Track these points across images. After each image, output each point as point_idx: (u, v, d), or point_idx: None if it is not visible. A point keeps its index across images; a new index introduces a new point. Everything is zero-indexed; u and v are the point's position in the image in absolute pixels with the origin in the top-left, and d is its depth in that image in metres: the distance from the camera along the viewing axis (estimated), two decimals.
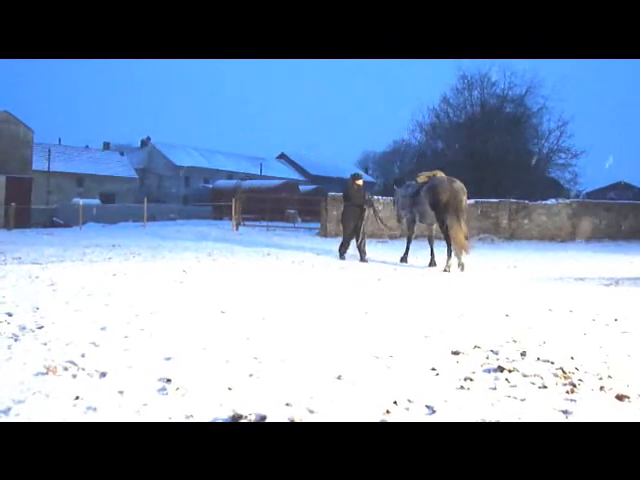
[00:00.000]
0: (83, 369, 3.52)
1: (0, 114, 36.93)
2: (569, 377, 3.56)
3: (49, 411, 2.77)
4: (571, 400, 3.14)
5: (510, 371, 3.65)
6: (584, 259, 14.84)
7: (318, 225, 24.68)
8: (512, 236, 23.12)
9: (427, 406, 2.98)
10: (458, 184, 12.01)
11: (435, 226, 12.82)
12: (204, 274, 8.91)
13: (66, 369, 3.50)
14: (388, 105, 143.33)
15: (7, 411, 2.75)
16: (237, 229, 24.05)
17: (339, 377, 3.46)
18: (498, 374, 3.60)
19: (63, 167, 54.73)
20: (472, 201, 23.83)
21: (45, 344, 4.07)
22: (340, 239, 14.14)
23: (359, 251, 13.18)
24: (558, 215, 23.49)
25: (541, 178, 44.81)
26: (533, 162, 42.89)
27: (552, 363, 3.88)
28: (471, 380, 3.48)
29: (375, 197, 13.70)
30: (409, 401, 3.05)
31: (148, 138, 69.51)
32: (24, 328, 4.57)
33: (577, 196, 41.67)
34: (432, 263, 12.47)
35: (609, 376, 3.61)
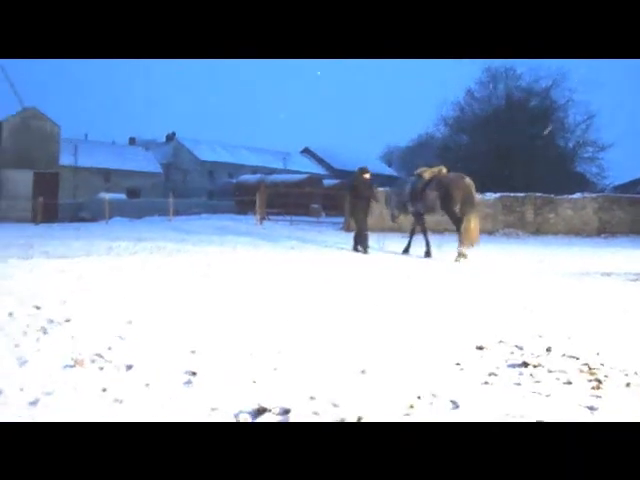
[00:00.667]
0: (110, 362, 3.56)
1: (28, 110, 37.37)
2: (595, 373, 3.52)
3: (76, 403, 2.81)
4: (596, 396, 3.11)
5: (535, 366, 3.62)
6: (610, 254, 14.67)
7: (342, 220, 24.60)
8: (538, 231, 22.90)
9: (451, 401, 2.97)
10: (469, 180, 12.66)
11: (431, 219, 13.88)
12: (229, 268, 8.95)
13: (93, 362, 3.55)
14: (412, 99, 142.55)
15: (35, 402, 2.80)
16: (261, 223, 24.10)
17: (363, 371, 3.46)
18: (523, 369, 3.58)
19: (90, 162, 55.14)
20: (497, 195, 23.68)
21: (73, 337, 4.12)
22: (395, 235, 14.47)
23: (362, 243, 13.73)
24: (584, 209, 23.21)
25: (567, 172, 44.36)
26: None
27: (577, 359, 3.85)
28: (495, 375, 3.46)
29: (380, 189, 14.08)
30: (433, 396, 3.05)
31: (173, 133, 69.83)
32: (52, 321, 4.63)
33: (603, 190, 41.11)
34: (428, 253, 13.08)
35: (635, 372, 3.57)
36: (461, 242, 12.37)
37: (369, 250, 13.59)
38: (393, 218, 14.61)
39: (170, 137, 69.97)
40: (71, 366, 3.44)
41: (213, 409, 2.78)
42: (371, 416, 2.68)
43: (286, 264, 9.95)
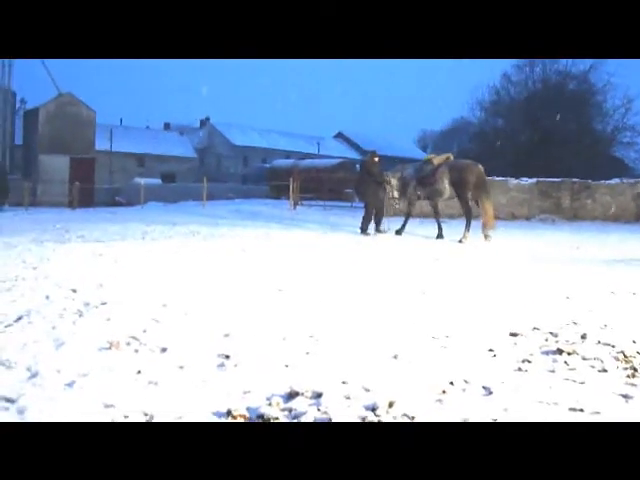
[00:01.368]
0: (145, 344, 3.61)
1: (64, 96, 37.73)
2: (630, 361, 3.48)
3: (112, 385, 2.86)
4: (632, 384, 3.07)
5: (569, 354, 3.59)
6: None
7: None
8: (574, 216, 22.52)
9: (484, 387, 2.96)
10: (481, 167, 13.46)
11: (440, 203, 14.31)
12: (262, 252, 9.00)
13: (128, 344, 3.60)
14: (447, 83, 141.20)
15: (71, 384, 2.85)
16: (295, 208, 24.12)
17: (395, 356, 3.46)
18: (557, 356, 3.55)
19: (125, 147, 55.78)
20: (533, 180, 23.34)
21: (108, 320, 4.19)
22: (397, 219, 14.69)
23: (376, 224, 14.26)
24: (622, 195, 22.74)
25: (605, 157, 43.60)
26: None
27: (613, 346, 3.80)
28: (529, 362, 3.44)
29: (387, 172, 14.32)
30: (465, 382, 3.04)
31: (207, 118, 70.20)
32: (88, 304, 4.70)
33: None
34: (440, 235, 13.62)
35: None
36: (482, 226, 13.11)
37: (386, 232, 14.17)
38: (394, 202, 14.88)
39: (204, 122, 70.33)
40: (107, 348, 3.49)
41: (246, 392, 2.81)
42: (403, 401, 2.69)
43: (319, 249, 9.97)
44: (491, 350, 3.67)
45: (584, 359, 3.51)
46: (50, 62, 38.22)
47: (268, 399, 2.73)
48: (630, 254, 10.59)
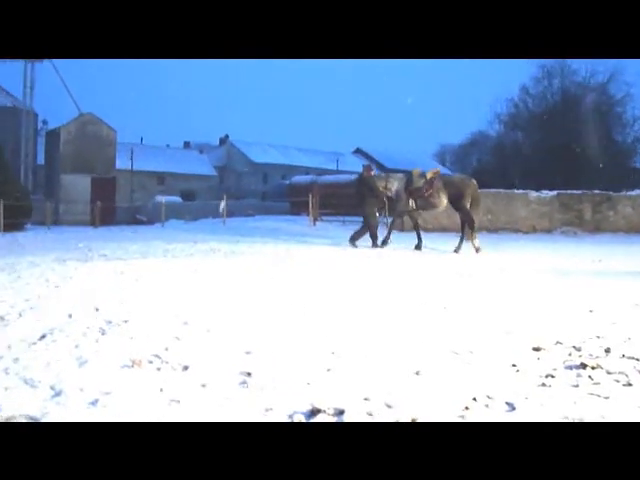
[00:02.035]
0: (167, 362, 3.62)
1: (85, 116, 38.24)
2: None
3: (134, 403, 2.87)
4: None
5: (593, 368, 3.55)
6: None
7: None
8: (596, 229, 22.33)
9: (507, 403, 2.93)
10: (474, 181, 14.91)
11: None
12: (283, 269, 9.01)
13: (151, 362, 3.61)
14: (465, 97, 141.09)
15: (95, 402, 2.86)
16: (314, 224, 24.17)
17: (417, 372, 3.44)
18: (581, 371, 3.51)
19: (145, 166, 56.29)
20: (553, 193, 23.22)
21: (131, 338, 4.21)
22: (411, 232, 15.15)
23: (373, 239, 14.63)
24: None
25: (626, 168, 43.29)
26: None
27: (637, 360, 3.75)
28: (552, 377, 3.40)
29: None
30: (489, 397, 3.01)
31: (226, 136, 70.74)
32: (110, 322, 4.73)
33: None
34: (419, 246, 14.37)
35: None
36: (468, 237, 14.13)
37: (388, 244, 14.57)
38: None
39: (223, 140, 70.90)
40: (129, 366, 3.51)
41: (267, 409, 2.80)
42: (425, 418, 2.67)
43: (340, 264, 9.96)
44: (514, 365, 3.63)
45: (608, 373, 3.47)
46: (71, 82, 38.77)
47: (290, 416, 2.72)
48: None
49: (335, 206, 29.99)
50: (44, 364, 3.52)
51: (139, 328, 4.51)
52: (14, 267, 8.88)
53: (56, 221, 30.25)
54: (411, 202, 14.57)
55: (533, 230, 21.76)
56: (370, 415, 2.72)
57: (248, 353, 3.85)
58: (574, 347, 4.10)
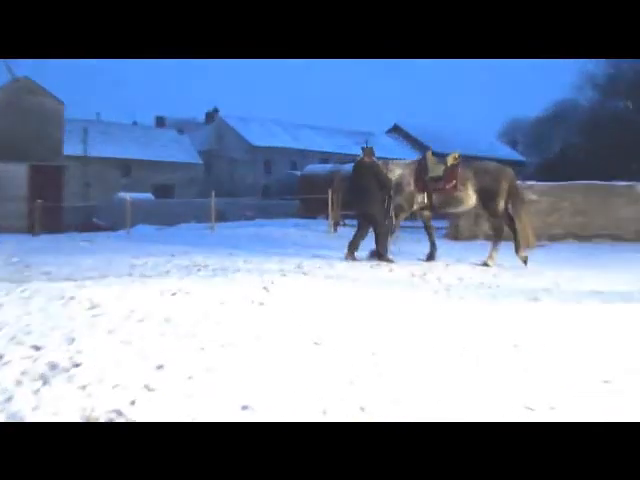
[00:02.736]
0: (130, 420, 3.61)
1: (21, 80, 37.79)
2: None
3: None
4: None
5: None
6: None
7: (444, 223, 23.12)
8: None
9: None
10: (511, 170, 14.65)
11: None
12: (291, 292, 8.98)
13: (111, 421, 3.61)
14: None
15: None
16: (335, 230, 24.06)
17: None
18: None
19: (104, 151, 56.39)
20: None
21: (83, 388, 4.20)
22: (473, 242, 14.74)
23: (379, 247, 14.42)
24: None
25: None
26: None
27: None
28: None
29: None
30: None
31: (215, 110, 70.75)
32: (56, 367, 4.72)
33: None
34: (431, 256, 14.54)
35: None
36: (518, 247, 13.95)
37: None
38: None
39: (211, 115, 70.90)
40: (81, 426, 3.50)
41: None
42: None
43: (369, 289, 9.93)
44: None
45: None
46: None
47: None
48: None
49: None
50: None
51: (95, 374, 4.50)
52: None
53: None
54: (421, 197, 14.35)
55: None
56: None
57: (244, 408, 3.85)
58: None
